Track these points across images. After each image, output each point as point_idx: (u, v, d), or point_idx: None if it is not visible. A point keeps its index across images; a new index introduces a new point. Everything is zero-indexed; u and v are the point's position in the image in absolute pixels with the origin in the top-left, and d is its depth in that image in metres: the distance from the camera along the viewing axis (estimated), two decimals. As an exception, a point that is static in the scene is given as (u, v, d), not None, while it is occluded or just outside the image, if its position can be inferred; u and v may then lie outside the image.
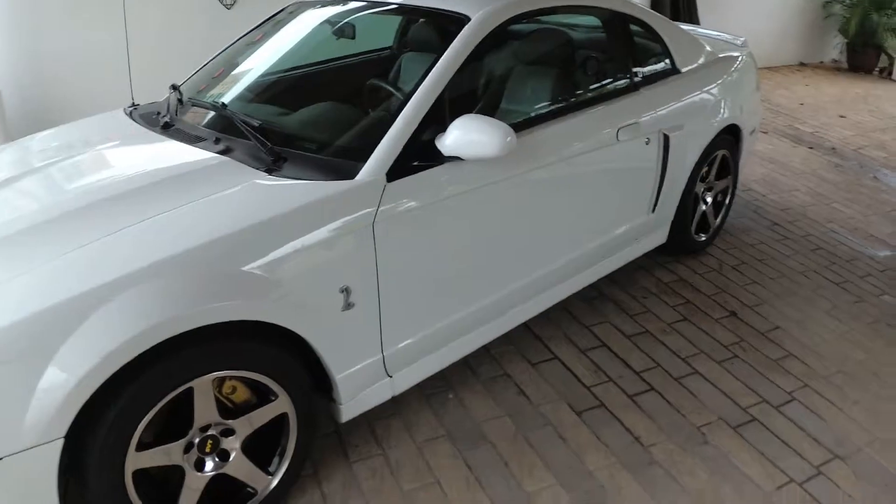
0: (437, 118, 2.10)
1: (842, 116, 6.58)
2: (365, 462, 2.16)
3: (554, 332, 2.86)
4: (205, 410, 1.72)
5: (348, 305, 1.90)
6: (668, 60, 3.15)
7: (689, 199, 3.30)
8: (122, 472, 1.61)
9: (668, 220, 3.26)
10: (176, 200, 1.81)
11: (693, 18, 6.98)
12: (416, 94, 2.10)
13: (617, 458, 2.23)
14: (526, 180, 2.36)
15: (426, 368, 2.26)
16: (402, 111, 2.06)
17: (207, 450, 1.77)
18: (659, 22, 3.16)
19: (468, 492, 2.07)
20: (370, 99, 2.56)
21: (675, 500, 2.08)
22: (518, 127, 2.24)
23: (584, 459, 2.21)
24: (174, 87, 2.53)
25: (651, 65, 3.08)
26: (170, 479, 1.75)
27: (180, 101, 2.46)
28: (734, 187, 3.73)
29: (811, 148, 5.59)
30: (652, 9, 3.48)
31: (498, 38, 2.40)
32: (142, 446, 1.64)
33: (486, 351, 2.64)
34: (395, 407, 2.36)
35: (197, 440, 1.75)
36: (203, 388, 1.69)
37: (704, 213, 3.53)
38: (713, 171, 3.48)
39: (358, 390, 2.04)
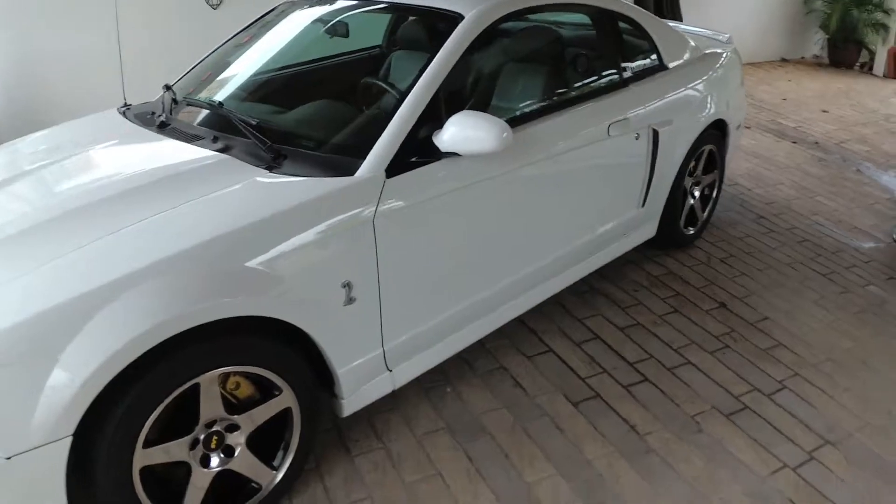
0: (433, 115, 2.13)
1: (824, 111, 6.68)
2: (366, 456, 2.18)
3: (548, 325, 2.90)
4: (210, 406, 1.74)
5: (350, 300, 1.92)
6: (655, 56, 3.20)
7: (677, 193, 3.35)
8: (129, 469, 1.62)
9: (657, 214, 3.31)
10: (177, 198, 1.82)
11: (676, 15, 7.04)
12: (413, 91, 2.12)
13: (614, 447, 2.27)
14: (521, 176, 2.40)
15: (425, 362, 2.28)
16: (400, 108, 2.09)
17: (213, 446, 1.78)
18: (646, 19, 3.20)
19: (470, 483, 2.09)
20: (365, 97, 2.57)
21: (672, 486, 2.12)
22: (511, 124, 2.25)
23: (582, 449, 2.25)
24: (167, 87, 2.54)
25: (639, 61, 3.12)
26: (174, 476, 1.76)
27: (174, 100, 2.46)
28: (721, 181, 3.78)
29: (795, 142, 5.68)
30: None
31: (490, 35, 2.43)
32: (148, 443, 1.65)
33: (481, 345, 2.66)
34: (393, 402, 2.38)
35: (202, 436, 1.76)
36: (208, 384, 1.71)
37: (692, 207, 3.58)
38: (700, 166, 3.53)
39: (359, 385, 2.07)
